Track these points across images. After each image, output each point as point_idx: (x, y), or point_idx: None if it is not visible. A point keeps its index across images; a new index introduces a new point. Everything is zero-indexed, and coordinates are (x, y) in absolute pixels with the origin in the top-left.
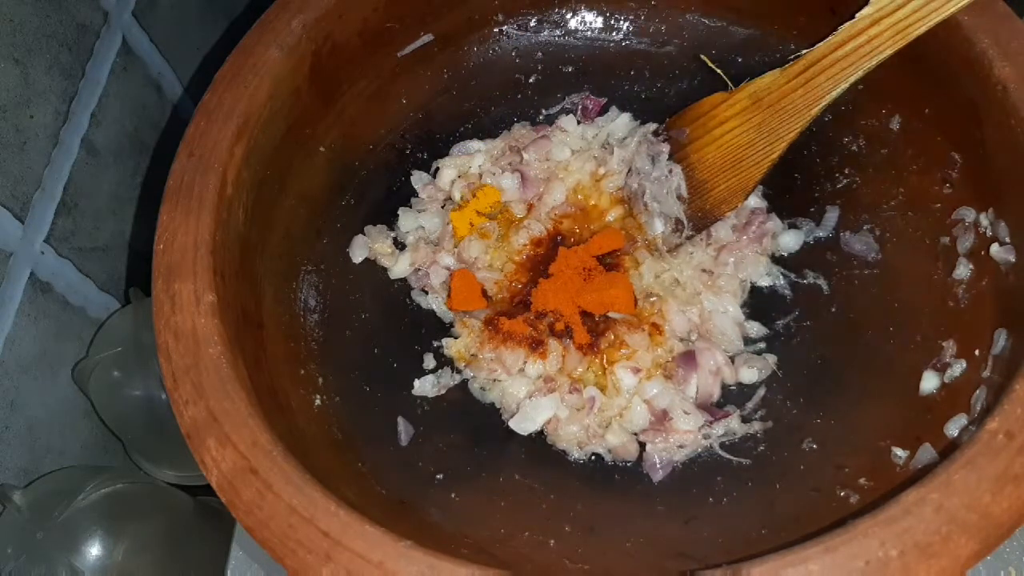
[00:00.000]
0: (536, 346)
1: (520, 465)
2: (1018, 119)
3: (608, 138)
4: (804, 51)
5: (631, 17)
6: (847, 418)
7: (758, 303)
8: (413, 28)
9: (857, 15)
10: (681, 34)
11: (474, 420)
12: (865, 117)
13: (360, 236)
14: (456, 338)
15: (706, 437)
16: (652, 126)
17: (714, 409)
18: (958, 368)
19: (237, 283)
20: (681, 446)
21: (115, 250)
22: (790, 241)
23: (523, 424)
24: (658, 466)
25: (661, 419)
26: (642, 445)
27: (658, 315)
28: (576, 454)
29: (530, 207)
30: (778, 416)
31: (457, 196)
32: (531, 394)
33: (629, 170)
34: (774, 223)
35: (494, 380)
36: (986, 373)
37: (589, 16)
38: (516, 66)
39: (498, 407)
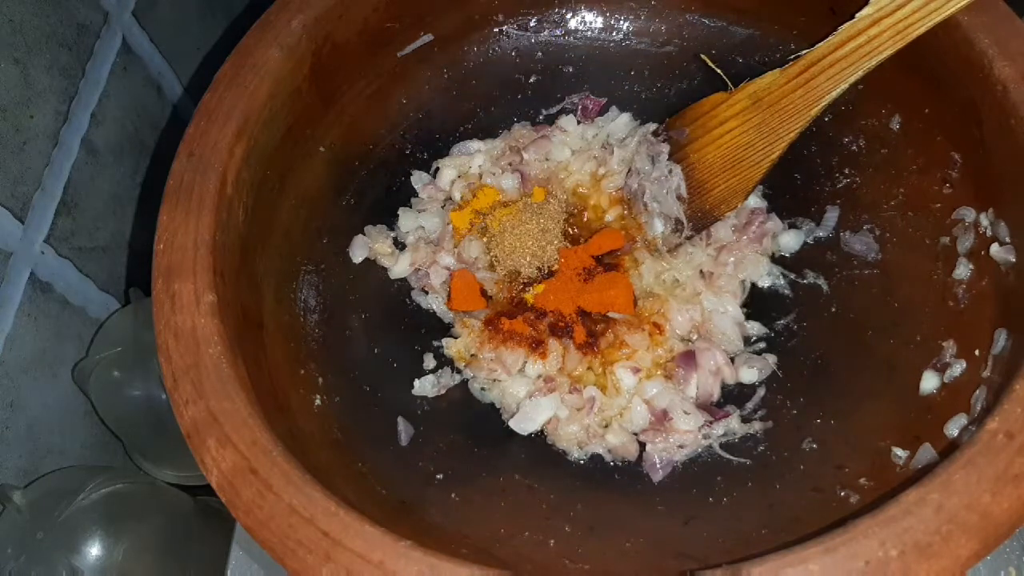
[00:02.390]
0: (536, 346)
1: (520, 465)
2: (1018, 119)
3: (608, 138)
4: (804, 51)
5: (631, 17)
6: (847, 418)
7: (758, 303)
8: (413, 28)
9: (857, 15)
10: (681, 34)
11: (474, 420)
12: (865, 117)
13: (360, 236)
14: (456, 338)
15: (706, 437)
16: (652, 126)
17: (714, 409)
18: (958, 368)
19: (237, 283)
20: (681, 446)
21: (115, 250)
22: (790, 241)
23: (523, 424)
24: (658, 466)
25: (661, 419)
26: (642, 445)
27: (658, 315)
28: (576, 454)
29: None
30: (778, 416)
31: (457, 196)
32: (531, 394)
33: (629, 170)
34: (774, 223)
35: (494, 380)
36: (986, 373)
37: (589, 16)
38: (516, 66)
39: (498, 407)
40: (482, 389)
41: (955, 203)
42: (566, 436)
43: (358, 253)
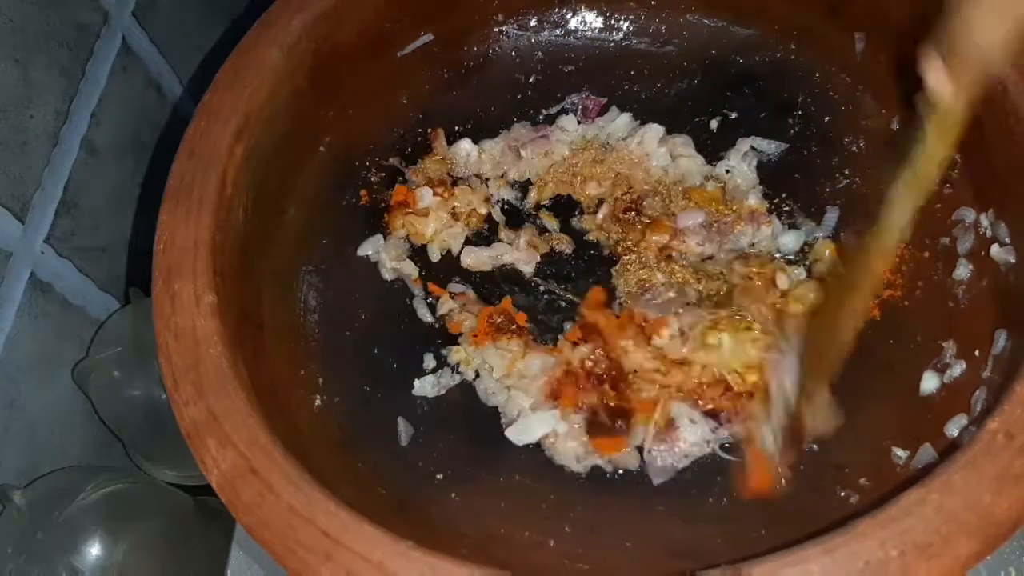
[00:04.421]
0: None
1: (520, 465)
2: (1018, 119)
3: (608, 138)
4: None
5: (631, 17)
6: (847, 418)
7: None
8: (413, 28)
9: None
10: (681, 34)
11: (474, 420)
12: (865, 117)
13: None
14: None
15: (709, 443)
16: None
17: (719, 413)
18: (958, 368)
19: (237, 283)
20: (686, 455)
21: (115, 250)
22: (790, 241)
23: (520, 436)
24: (659, 467)
25: (666, 428)
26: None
27: None
28: (575, 467)
29: None
30: None
31: None
32: (535, 406)
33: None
34: (774, 223)
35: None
36: (986, 373)
37: (589, 16)
38: (516, 66)
39: (500, 411)
40: (487, 391)
41: (955, 203)
42: (564, 451)
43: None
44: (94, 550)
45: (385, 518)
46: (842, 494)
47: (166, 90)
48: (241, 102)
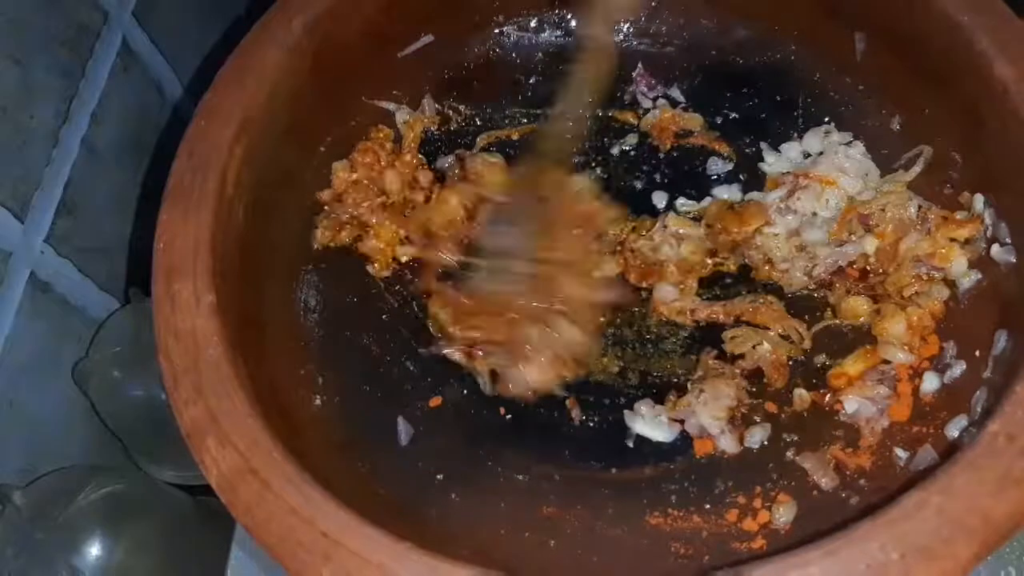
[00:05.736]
0: None
1: (520, 465)
2: (1018, 119)
3: None
4: None
5: (631, 18)
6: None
7: None
8: (413, 28)
9: None
10: (681, 34)
11: (474, 420)
12: (865, 117)
13: None
14: None
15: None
16: None
17: None
18: (958, 369)
19: (237, 283)
20: None
21: (115, 250)
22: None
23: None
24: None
25: None
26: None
27: None
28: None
29: None
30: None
31: None
32: None
33: None
34: None
35: None
36: (987, 374)
37: None
38: (516, 67)
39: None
40: None
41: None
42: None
43: None
44: (94, 550)
45: (385, 519)
46: (842, 495)
47: (166, 90)
48: (241, 102)
